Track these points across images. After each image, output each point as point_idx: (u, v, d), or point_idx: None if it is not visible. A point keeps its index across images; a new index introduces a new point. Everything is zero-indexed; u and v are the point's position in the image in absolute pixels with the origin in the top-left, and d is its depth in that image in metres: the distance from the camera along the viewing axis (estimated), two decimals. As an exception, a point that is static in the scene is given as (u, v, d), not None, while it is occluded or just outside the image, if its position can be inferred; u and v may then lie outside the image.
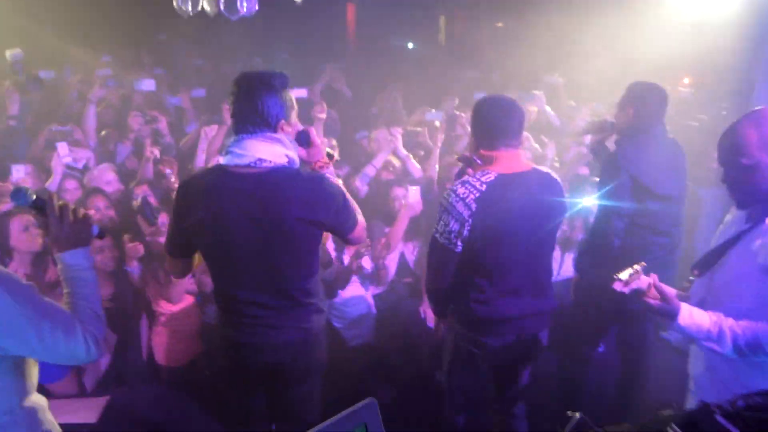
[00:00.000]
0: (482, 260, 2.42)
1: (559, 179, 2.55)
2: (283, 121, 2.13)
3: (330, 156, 2.46)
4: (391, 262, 4.09)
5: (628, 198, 3.09)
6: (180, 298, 3.49)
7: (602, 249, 3.19)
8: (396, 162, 4.55)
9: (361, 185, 4.30)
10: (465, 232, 2.34)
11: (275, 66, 6.68)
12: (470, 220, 2.32)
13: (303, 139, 2.31)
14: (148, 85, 4.99)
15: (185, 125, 5.50)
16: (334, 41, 9.09)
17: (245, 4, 2.85)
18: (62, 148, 3.92)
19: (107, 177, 4.10)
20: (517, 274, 2.46)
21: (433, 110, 5.20)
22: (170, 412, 3.37)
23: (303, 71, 6.47)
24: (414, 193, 3.80)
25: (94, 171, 4.19)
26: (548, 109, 5.71)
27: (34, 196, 1.85)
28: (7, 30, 6.37)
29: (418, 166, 4.42)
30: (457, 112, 5.11)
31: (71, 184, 4.02)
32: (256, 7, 2.93)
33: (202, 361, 3.70)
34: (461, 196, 2.33)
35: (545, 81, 6.16)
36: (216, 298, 2.34)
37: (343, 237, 2.33)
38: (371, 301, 4.05)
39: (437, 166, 4.48)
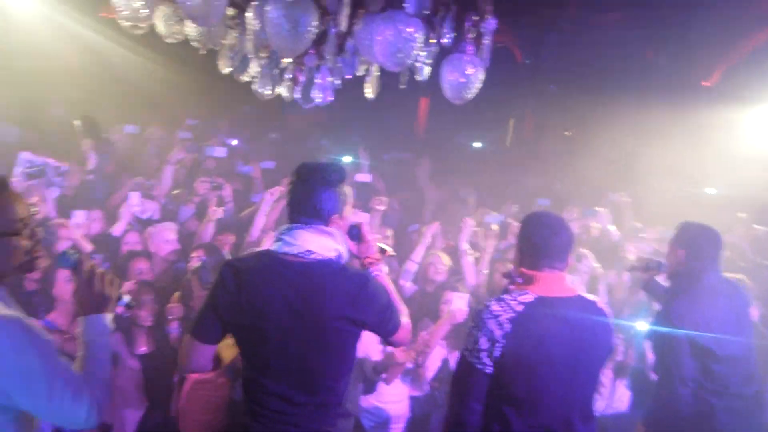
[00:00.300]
0: (512, 388, 2.22)
1: (607, 310, 2.38)
2: (336, 216, 2.15)
3: (382, 251, 2.43)
4: (432, 364, 3.90)
5: (689, 361, 2.86)
6: (211, 367, 3.45)
7: (670, 418, 2.91)
8: (446, 261, 4.47)
9: (404, 282, 4.23)
10: (496, 353, 2.18)
11: (344, 150, 6.93)
12: (503, 341, 2.17)
13: (354, 234, 2.32)
14: (219, 152, 5.26)
15: (252, 194, 5.72)
16: (403, 132, 9.41)
17: (319, 95, 2.96)
18: (134, 197, 4.10)
19: (168, 236, 4.22)
20: (550, 409, 2.24)
21: (494, 213, 5.15)
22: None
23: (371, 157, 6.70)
24: (459, 301, 3.64)
25: (156, 226, 4.33)
26: (611, 228, 5.55)
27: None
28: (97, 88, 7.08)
29: (473, 267, 4.31)
30: (510, 220, 5.04)
31: (132, 238, 4.18)
32: (331, 98, 3.05)
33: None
34: (494, 313, 2.21)
35: (610, 199, 6.04)
36: (243, 383, 2.25)
37: (385, 338, 2.26)
38: (408, 402, 3.87)
39: (486, 272, 4.39)
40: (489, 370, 2.20)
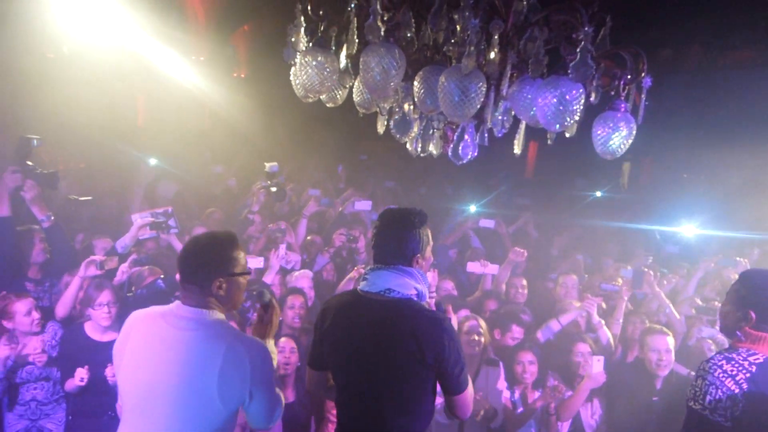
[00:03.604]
0: None
1: None
2: (418, 256, 2.28)
3: (438, 306, 2.45)
4: (564, 424, 3.83)
5: None
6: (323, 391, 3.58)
7: None
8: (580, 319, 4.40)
9: (542, 337, 4.22)
10: (738, 411, 2.18)
11: (463, 196, 7.08)
12: (743, 399, 2.18)
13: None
14: (363, 205, 5.59)
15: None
16: (515, 177, 9.41)
17: (469, 152, 3.12)
18: (282, 249, 4.48)
19: (303, 283, 4.53)
20: None
21: (628, 267, 4.98)
22: None
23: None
24: (598, 365, 3.64)
25: (295, 273, 4.66)
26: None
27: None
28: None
29: (609, 334, 4.22)
30: (645, 269, 4.87)
31: (276, 279, 4.55)
32: (476, 154, 3.19)
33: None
34: (729, 372, 2.23)
35: (753, 253, 5.66)
36: (336, 412, 2.41)
37: (450, 394, 2.26)
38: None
39: (620, 323, 4.28)
40: (728, 424, 2.20)
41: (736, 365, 2.24)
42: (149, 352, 2.08)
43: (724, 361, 2.27)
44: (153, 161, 6.29)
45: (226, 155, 7.82)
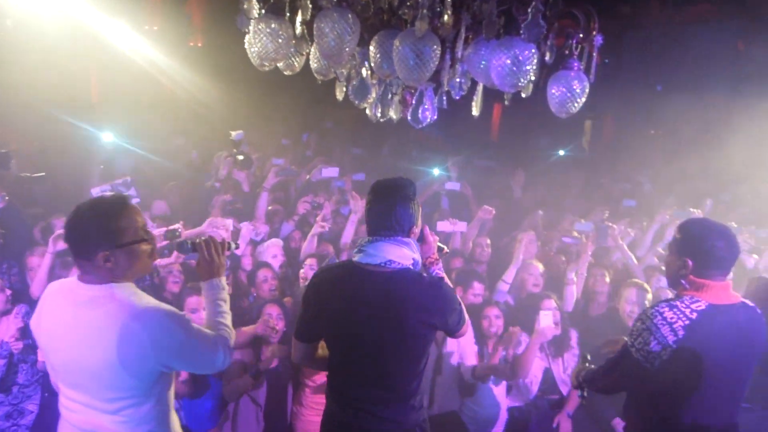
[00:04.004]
0: (677, 388, 2.33)
1: (763, 315, 2.42)
2: (414, 227, 2.34)
3: (440, 250, 2.60)
4: (533, 381, 3.96)
5: None
6: (310, 362, 3.65)
7: None
8: (541, 269, 4.53)
9: (500, 299, 4.33)
10: (666, 357, 2.28)
11: (428, 159, 7.11)
12: (674, 346, 2.26)
13: (419, 237, 2.47)
14: (331, 171, 5.58)
15: (341, 206, 6.02)
16: (479, 139, 9.48)
17: (428, 116, 3.14)
18: (245, 225, 4.49)
19: (274, 251, 4.55)
20: (713, 408, 2.34)
21: (583, 221, 5.14)
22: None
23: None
24: (545, 319, 3.67)
25: (265, 243, 4.68)
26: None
27: (189, 243, 2.37)
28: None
29: (575, 293, 4.33)
30: (609, 224, 5.02)
31: (246, 250, 4.57)
32: (435, 117, 3.22)
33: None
34: (668, 319, 2.28)
35: (707, 205, 5.88)
36: (328, 377, 2.48)
37: (451, 335, 2.44)
38: (503, 403, 3.97)
39: (585, 276, 4.42)
40: (654, 369, 2.31)
41: (677, 312, 2.29)
42: (55, 331, 2.03)
43: (666, 308, 2.31)
44: (107, 137, 6.12)
45: (187, 127, 7.66)
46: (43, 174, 3.84)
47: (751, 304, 2.42)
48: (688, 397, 2.33)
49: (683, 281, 2.41)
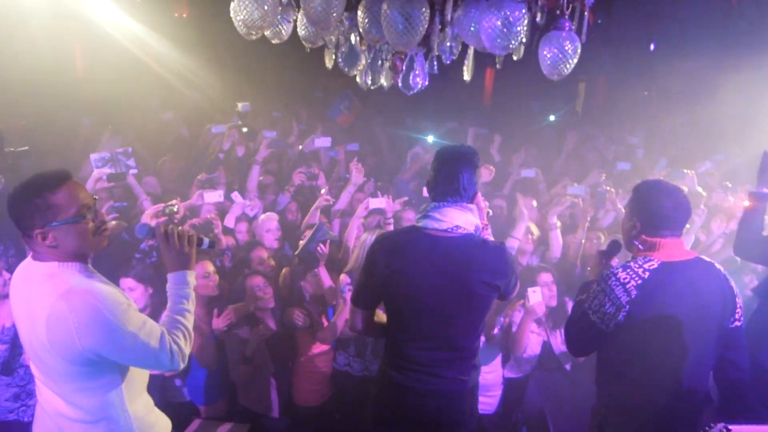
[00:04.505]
0: (637, 349, 2.37)
1: (723, 270, 2.44)
2: (477, 193, 2.39)
3: (487, 215, 2.66)
4: (531, 356, 3.98)
5: None
6: (332, 341, 3.72)
7: None
8: (535, 232, 4.55)
9: None
10: (620, 317, 2.33)
11: (423, 126, 7.05)
12: (628, 307, 2.31)
13: None
14: (323, 141, 5.53)
15: (335, 176, 6.01)
16: (471, 104, 9.39)
17: (419, 82, 3.10)
18: (237, 197, 4.44)
19: (270, 225, 4.53)
20: (671, 367, 2.37)
21: (575, 184, 5.14)
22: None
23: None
24: (534, 296, 3.68)
25: (260, 217, 4.65)
26: (699, 189, 5.44)
27: (147, 228, 2.24)
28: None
29: (560, 239, 4.38)
30: (607, 188, 5.01)
31: (242, 227, 4.54)
32: (427, 83, 3.18)
33: (331, 404, 3.92)
34: (622, 280, 2.33)
35: (701, 170, 5.88)
36: (387, 343, 2.52)
37: (504, 298, 2.50)
38: (500, 371, 4.03)
39: (582, 242, 4.44)
40: (610, 330, 2.37)
41: (631, 272, 2.33)
42: (15, 310, 2.04)
43: (620, 269, 2.36)
44: (85, 120, 6.03)
45: (174, 101, 7.54)
46: (27, 148, 3.77)
47: (707, 259, 2.43)
48: (646, 357, 2.36)
49: (635, 242, 2.45)
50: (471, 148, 2.41)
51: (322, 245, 3.66)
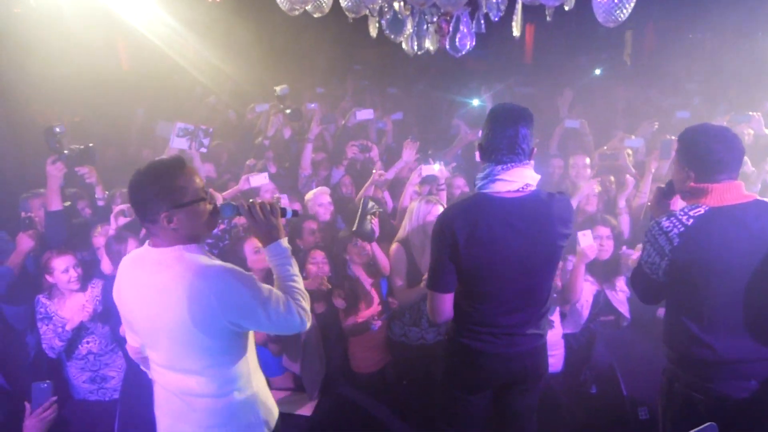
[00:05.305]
0: (691, 297, 2.31)
1: None
2: (534, 149, 2.33)
3: None
4: (584, 306, 3.92)
5: None
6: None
7: None
8: (597, 190, 4.42)
9: None
10: (665, 266, 2.31)
11: (468, 89, 6.88)
12: (670, 255, 2.27)
13: None
14: (366, 114, 5.49)
15: (382, 146, 5.99)
16: (514, 63, 9.12)
17: (467, 43, 3.02)
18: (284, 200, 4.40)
19: (322, 200, 4.54)
20: (732, 314, 2.28)
21: (633, 137, 4.93)
22: (367, 414, 3.70)
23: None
24: (584, 239, 3.57)
25: (311, 193, 4.67)
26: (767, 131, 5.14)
27: (234, 204, 2.23)
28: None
29: (628, 222, 4.26)
30: (671, 137, 4.77)
31: (296, 206, 4.57)
32: (474, 44, 3.09)
33: (390, 369, 3.97)
34: (665, 229, 2.29)
35: (765, 106, 5.53)
36: (460, 313, 2.46)
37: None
38: (560, 329, 3.97)
39: (647, 194, 4.29)
40: (661, 279, 2.36)
41: (674, 221, 2.28)
42: (134, 299, 2.10)
43: (665, 219, 2.31)
44: (140, 111, 6.14)
45: (217, 85, 7.63)
46: (92, 144, 3.88)
47: None
48: (701, 306, 2.30)
49: (686, 191, 2.36)
50: (524, 107, 2.32)
51: (374, 220, 3.63)
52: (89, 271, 3.66)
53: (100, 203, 4.03)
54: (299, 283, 2.20)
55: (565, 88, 6.40)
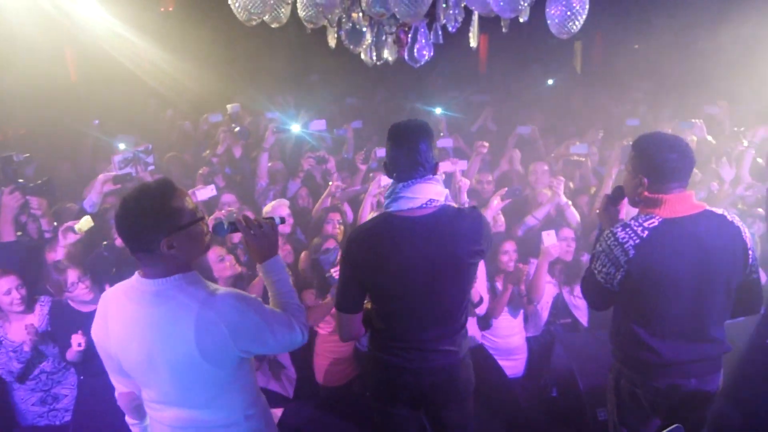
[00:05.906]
0: (641, 306, 2.37)
1: (736, 221, 2.35)
2: (438, 164, 2.31)
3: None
4: (543, 307, 4.05)
5: None
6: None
7: None
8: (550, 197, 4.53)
9: (521, 232, 4.36)
10: (619, 277, 2.33)
11: (426, 98, 6.98)
12: (626, 266, 2.29)
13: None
14: (319, 125, 5.48)
15: (344, 153, 6.00)
16: (467, 73, 9.28)
17: (425, 53, 3.06)
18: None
19: (281, 212, 4.48)
20: (679, 321, 2.35)
21: (578, 143, 5.10)
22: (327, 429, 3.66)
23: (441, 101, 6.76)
24: (548, 238, 3.68)
25: (270, 205, 4.59)
26: (709, 138, 5.39)
27: (226, 224, 2.12)
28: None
29: (576, 213, 4.37)
30: (626, 142, 4.92)
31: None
32: (432, 53, 3.13)
33: (358, 382, 3.91)
34: (620, 240, 2.30)
35: (706, 111, 5.81)
36: (375, 330, 2.45)
37: (483, 258, 2.45)
38: (523, 332, 4.07)
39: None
40: (616, 289, 2.37)
41: (629, 232, 2.29)
42: (126, 335, 1.94)
43: (620, 229, 2.32)
44: (95, 122, 5.99)
45: (175, 95, 7.47)
46: (29, 155, 3.72)
47: (719, 212, 2.35)
48: (651, 314, 2.35)
49: (637, 199, 2.40)
50: (421, 121, 2.31)
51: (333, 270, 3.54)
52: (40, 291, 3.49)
53: (47, 235, 3.81)
54: (295, 299, 2.14)
55: (487, 107, 6.62)
